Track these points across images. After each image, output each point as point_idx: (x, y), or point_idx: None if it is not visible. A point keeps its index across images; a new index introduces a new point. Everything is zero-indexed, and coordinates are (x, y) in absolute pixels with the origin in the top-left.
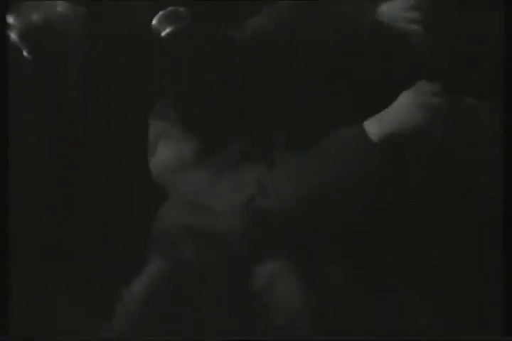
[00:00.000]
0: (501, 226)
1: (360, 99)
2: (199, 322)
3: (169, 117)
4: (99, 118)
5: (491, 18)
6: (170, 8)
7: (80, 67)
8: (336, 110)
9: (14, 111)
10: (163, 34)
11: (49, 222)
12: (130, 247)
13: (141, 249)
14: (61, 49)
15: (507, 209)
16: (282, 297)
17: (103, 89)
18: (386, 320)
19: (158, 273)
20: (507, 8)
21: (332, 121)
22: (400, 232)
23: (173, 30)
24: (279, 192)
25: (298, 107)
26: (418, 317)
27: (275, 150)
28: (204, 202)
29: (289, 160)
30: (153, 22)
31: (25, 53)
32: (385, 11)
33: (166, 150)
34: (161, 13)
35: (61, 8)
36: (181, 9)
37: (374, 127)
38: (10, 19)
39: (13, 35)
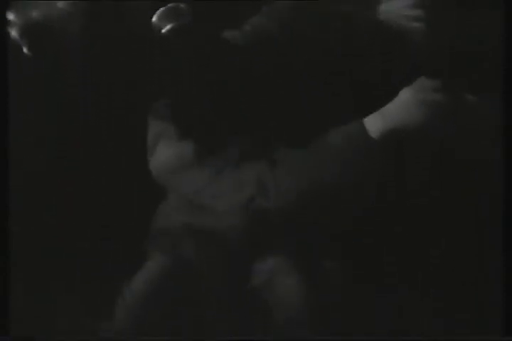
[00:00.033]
0: (501, 226)
1: (360, 99)
2: (199, 318)
3: (169, 117)
4: (99, 118)
5: (491, 18)
6: (170, 5)
7: (81, 64)
8: (335, 110)
9: (14, 111)
10: (163, 31)
11: (49, 222)
12: (130, 247)
13: (141, 249)
14: (61, 46)
15: (507, 209)
16: (282, 293)
17: (103, 89)
18: (386, 320)
19: (159, 270)
20: (507, 8)
21: (332, 121)
22: (400, 232)
23: (173, 26)
24: (279, 190)
25: (298, 107)
26: (418, 317)
27: (275, 150)
28: (204, 201)
29: (289, 159)
30: (154, 19)
31: (25, 50)
32: (385, 9)
33: (166, 151)
34: (161, 9)
35: (61, 5)
36: (182, 6)
37: (374, 124)
38: (10, 16)
39: (13, 33)
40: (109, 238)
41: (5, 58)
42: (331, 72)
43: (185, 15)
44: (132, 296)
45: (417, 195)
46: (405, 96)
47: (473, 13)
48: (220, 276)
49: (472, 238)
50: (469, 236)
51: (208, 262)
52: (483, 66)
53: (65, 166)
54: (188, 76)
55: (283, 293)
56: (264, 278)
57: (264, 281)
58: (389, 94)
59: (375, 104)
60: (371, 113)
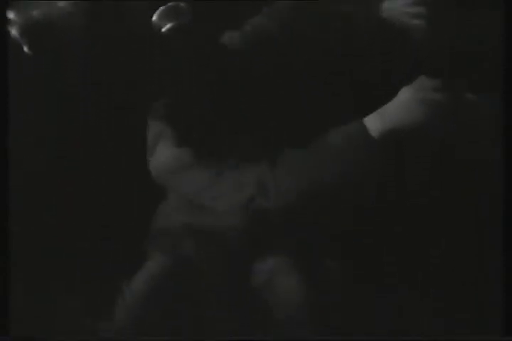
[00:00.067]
0: (501, 226)
1: (360, 99)
2: (199, 318)
3: (169, 118)
4: (99, 118)
5: (491, 18)
6: (170, 4)
7: (81, 64)
8: (335, 110)
9: (14, 111)
10: (163, 30)
11: (49, 222)
12: (130, 247)
13: (141, 249)
14: (62, 45)
15: (507, 209)
16: (282, 293)
17: (103, 88)
18: (386, 320)
19: (159, 270)
20: (507, 8)
21: (332, 121)
22: (400, 232)
23: (173, 25)
24: (279, 190)
25: (298, 107)
26: (418, 317)
27: (275, 150)
28: (204, 202)
29: (289, 159)
30: (154, 18)
31: (25, 49)
32: (388, 6)
33: (166, 151)
34: (161, 8)
35: (62, 4)
36: (182, 5)
37: (374, 123)
38: (10, 15)
39: (13, 31)
40: (109, 238)
41: (5, 57)
42: (331, 72)
43: (185, 14)
44: (132, 296)
45: (417, 195)
46: (405, 95)
47: (473, 13)
48: (220, 276)
49: (472, 238)
50: (469, 236)
51: (208, 262)
52: (483, 66)
53: (65, 166)
54: (188, 76)
55: (283, 293)
56: (264, 278)
57: (264, 281)
58: (389, 94)
59: (375, 104)
60: (371, 113)
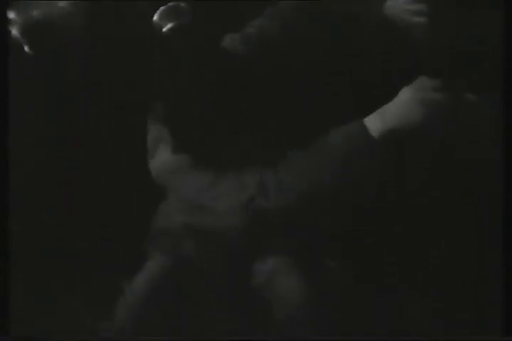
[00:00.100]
0: (501, 226)
1: (360, 99)
2: (199, 318)
3: (169, 118)
4: (99, 118)
5: (491, 18)
6: (171, 4)
7: (81, 63)
8: (335, 110)
9: (14, 111)
10: (164, 30)
11: (49, 222)
12: (130, 247)
13: (141, 249)
14: (62, 45)
15: (507, 209)
16: (282, 293)
17: (103, 88)
18: (386, 320)
19: (159, 270)
20: (507, 8)
21: (332, 121)
22: (400, 232)
23: (174, 26)
24: (279, 191)
25: (298, 107)
26: (418, 317)
27: (275, 150)
28: (204, 202)
29: (289, 159)
30: (154, 18)
31: (26, 49)
32: (390, 4)
33: (166, 152)
34: (162, 8)
35: (62, 4)
36: (182, 5)
37: (374, 123)
38: (11, 15)
39: (14, 31)
40: (109, 238)
41: (6, 57)
42: (331, 72)
43: (185, 14)
44: (132, 296)
45: (417, 195)
46: (405, 95)
47: (473, 13)
48: (220, 276)
49: (472, 238)
50: (469, 236)
51: (208, 262)
52: (483, 66)
53: (65, 166)
54: (188, 76)
55: (283, 293)
56: (264, 278)
57: (264, 281)
58: (389, 94)
59: (375, 104)
60: (371, 113)
